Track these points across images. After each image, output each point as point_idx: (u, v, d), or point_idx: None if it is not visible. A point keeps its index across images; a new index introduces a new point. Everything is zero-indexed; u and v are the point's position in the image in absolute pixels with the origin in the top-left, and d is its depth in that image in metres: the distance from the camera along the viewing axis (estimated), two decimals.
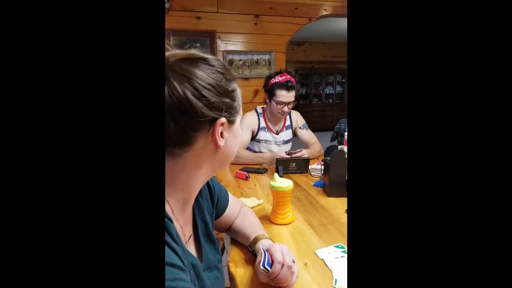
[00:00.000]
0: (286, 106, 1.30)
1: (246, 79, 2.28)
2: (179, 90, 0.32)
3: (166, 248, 0.30)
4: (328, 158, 0.88)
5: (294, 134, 1.49)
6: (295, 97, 1.32)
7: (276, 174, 0.71)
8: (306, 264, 0.55)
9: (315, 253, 0.58)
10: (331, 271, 0.52)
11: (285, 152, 1.23)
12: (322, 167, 0.99)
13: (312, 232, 0.67)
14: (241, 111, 0.41)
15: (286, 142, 1.46)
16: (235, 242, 0.62)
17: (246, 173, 1.09)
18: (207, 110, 0.34)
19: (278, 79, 1.29)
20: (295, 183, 1.01)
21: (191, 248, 0.43)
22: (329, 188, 0.88)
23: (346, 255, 0.57)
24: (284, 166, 1.12)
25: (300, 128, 1.47)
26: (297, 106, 1.42)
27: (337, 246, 0.60)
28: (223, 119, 0.36)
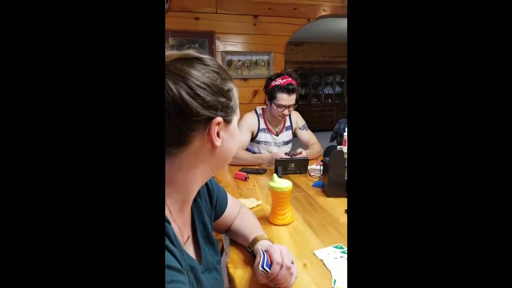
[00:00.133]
0: (286, 109, 1.29)
1: (245, 79, 2.29)
2: (174, 89, 0.32)
3: None
4: (327, 158, 0.88)
5: (294, 135, 1.48)
6: (296, 100, 1.30)
7: (275, 174, 0.71)
8: (305, 264, 0.55)
9: (314, 253, 0.58)
10: (330, 272, 0.52)
11: (285, 153, 1.22)
12: (321, 167, 0.99)
13: (311, 232, 0.67)
14: (238, 111, 0.41)
15: (286, 143, 1.45)
16: (234, 243, 0.62)
17: (245, 173, 1.09)
18: (202, 109, 0.34)
19: (279, 81, 1.27)
20: (294, 183, 1.01)
21: (190, 250, 0.43)
22: (328, 188, 0.88)
23: (345, 255, 0.57)
24: (283, 167, 1.12)
25: (300, 128, 1.47)
26: (297, 106, 1.41)
27: (336, 247, 0.60)
28: (219, 119, 0.36)
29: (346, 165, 0.86)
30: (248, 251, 0.55)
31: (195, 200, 0.46)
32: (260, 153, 1.39)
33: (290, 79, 1.27)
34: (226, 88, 0.37)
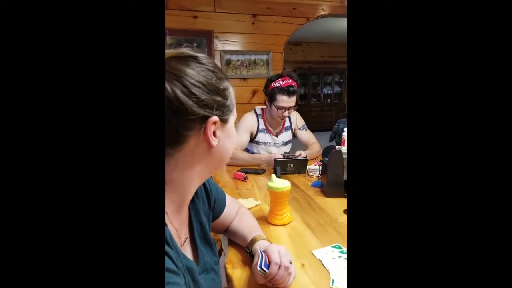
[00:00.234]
0: (286, 111, 1.28)
1: (244, 79, 2.28)
2: (168, 88, 0.32)
3: None
4: (326, 158, 0.88)
5: (294, 135, 1.48)
6: (296, 101, 1.29)
7: (273, 175, 0.71)
8: (303, 264, 0.55)
9: (312, 253, 0.58)
10: (328, 272, 0.52)
11: (281, 154, 1.21)
12: (320, 167, 0.99)
13: (310, 232, 0.67)
14: (234, 111, 0.41)
15: (286, 143, 1.45)
16: (232, 243, 0.62)
17: (244, 174, 1.09)
18: (197, 108, 0.33)
19: (279, 83, 1.25)
20: (293, 183, 1.01)
21: (187, 251, 0.43)
22: (326, 188, 0.89)
23: (343, 255, 0.57)
24: (282, 167, 1.12)
25: (299, 129, 1.46)
26: (297, 108, 1.39)
27: (334, 247, 0.60)
28: (215, 118, 0.35)
29: (344, 165, 0.86)
30: (247, 251, 0.55)
31: (192, 200, 0.46)
32: (259, 153, 1.38)
33: (290, 80, 1.26)
34: (221, 87, 0.37)
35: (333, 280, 0.50)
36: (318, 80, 6.14)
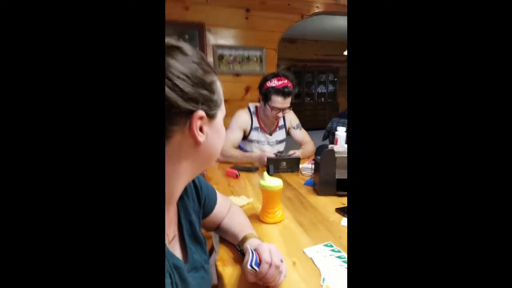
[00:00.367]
0: (281, 112, 1.26)
1: (237, 75, 2.26)
2: None
3: None
4: (319, 157, 0.88)
5: (288, 133, 1.47)
6: (291, 102, 1.27)
7: (265, 173, 0.70)
8: (294, 263, 0.55)
9: (303, 251, 0.58)
10: (319, 270, 0.52)
11: (274, 153, 1.20)
12: (313, 166, 0.99)
13: (302, 231, 0.67)
14: (223, 106, 0.39)
15: (280, 142, 1.44)
16: (223, 241, 0.62)
17: (236, 171, 1.08)
18: (181, 102, 0.32)
19: (274, 82, 1.23)
20: (286, 182, 1.01)
21: (176, 249, 0.42)
22: (319, 187, 0.89)
23: (334, 253, 0.57)
24: (275, 165, 1.12)
25: (293, 128, 1.45)
26: (291, 108, 1.37)
27: (325, 245, 0.60)
28: (201, 112, 0.34)
29: (337, 164, 0.86)
30: (238, 249, 0.55)
31: (181, 198, 0.45)
32: (252, 151, 1.37)
33: (286, 81, 1.23)
34: (208, 80, 0.35)
35: (323, 279, 0.50)
36: (312, 79, 6.16)
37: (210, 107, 0.36)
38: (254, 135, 1.37)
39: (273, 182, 0.68)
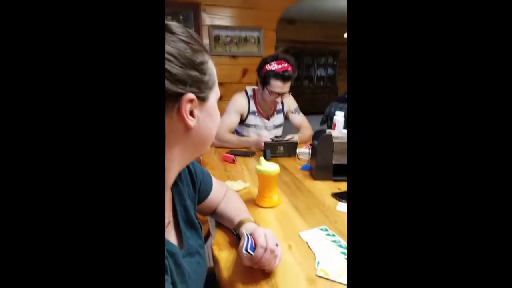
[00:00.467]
0: (280, 97, 1.22)
1: (234, 57, 2.18)
2: None
3: None
4: (316, 142, 0.87)
5: (286, 118, 1.43)
6: (290, 87, 1.22)
7: (261, 158, 0.70)
8: (290, 246, 0.55)
9: (299, 235, 0.59)
10: (314, 254, 0.53)
11: (270, 138, 1.18)
12: (310, 151, 0.98)
13: (297, 215, 0.68)
14: (216, 88, 0.37)
15: (277, 126, 1.41)
16: (219, 225, 0.62)
17: (233, 156, 1.07)
18: (168, 84, 0.30)
19: (274, 66, 1.18)
20: (282, 166, 1.01)
21: (171, 235, 0.42)
22: (315, 171, 0.89)
23: (329, 237, 0.58)
24: (271, 150, 1.11)
25: (292, 112, 1.42)
26: (290, 93, 1.32)
27: (321, 229, 0.61)
28: (190, 95, 0.32)
29: (334, 150, 0.85)
30: (233, 234, 0.55)
31: (176, 184, 0.44)
32: (249, 136, 1.36)
33: (286, 65, 1.18)
34: (197, 60, 0.33)
35: (318, 262, 0.51)
36: (311, 61, 6.02)
37: (200, 89, 0.33)
38: (251, 120, 1.34)
39: (269, 167, 0.67)
